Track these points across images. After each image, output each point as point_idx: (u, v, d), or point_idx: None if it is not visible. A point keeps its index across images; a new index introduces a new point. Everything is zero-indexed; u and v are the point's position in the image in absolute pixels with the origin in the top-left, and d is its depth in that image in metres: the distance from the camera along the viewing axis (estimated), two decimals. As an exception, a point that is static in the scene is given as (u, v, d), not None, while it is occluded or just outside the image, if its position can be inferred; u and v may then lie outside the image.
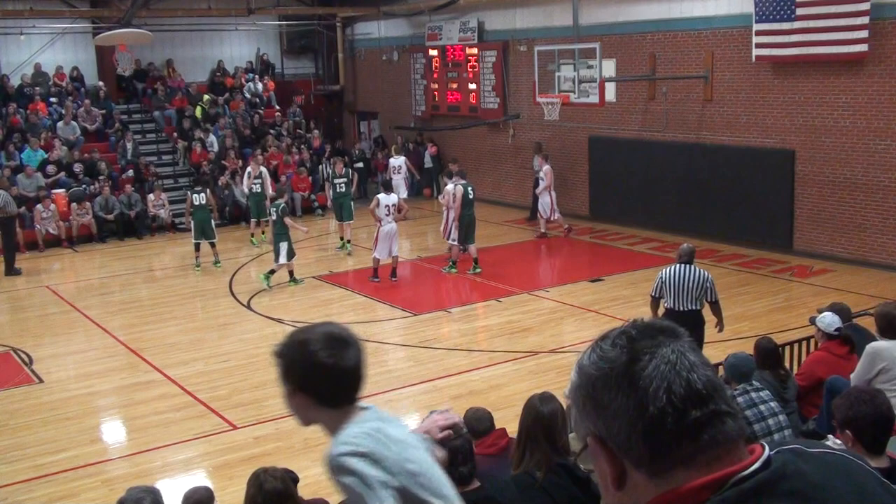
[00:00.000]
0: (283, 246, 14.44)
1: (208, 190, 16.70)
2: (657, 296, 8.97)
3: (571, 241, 17.87)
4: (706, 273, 8.97)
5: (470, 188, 14.94)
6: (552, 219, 17.93)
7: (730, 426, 1.30)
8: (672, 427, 1.27)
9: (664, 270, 8.99)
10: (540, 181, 18.00)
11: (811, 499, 1.24)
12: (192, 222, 16.12)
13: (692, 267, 8.86)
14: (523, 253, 17.49)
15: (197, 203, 15.93)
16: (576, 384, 1.37)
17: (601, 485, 1.38)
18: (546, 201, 17.86)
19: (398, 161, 20.79)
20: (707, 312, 9.10)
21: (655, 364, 1.30)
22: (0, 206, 16.40)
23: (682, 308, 8.75)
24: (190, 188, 16.76)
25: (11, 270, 16.35)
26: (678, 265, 8.87)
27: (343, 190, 17.50)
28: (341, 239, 17.56)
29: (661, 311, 9.01)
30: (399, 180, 20.22)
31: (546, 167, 17.87)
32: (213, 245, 16.20)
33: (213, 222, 16.30)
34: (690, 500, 1.27)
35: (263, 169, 19.01)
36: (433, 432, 3.90)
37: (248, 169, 18.92)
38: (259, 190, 18.56)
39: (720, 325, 9.15)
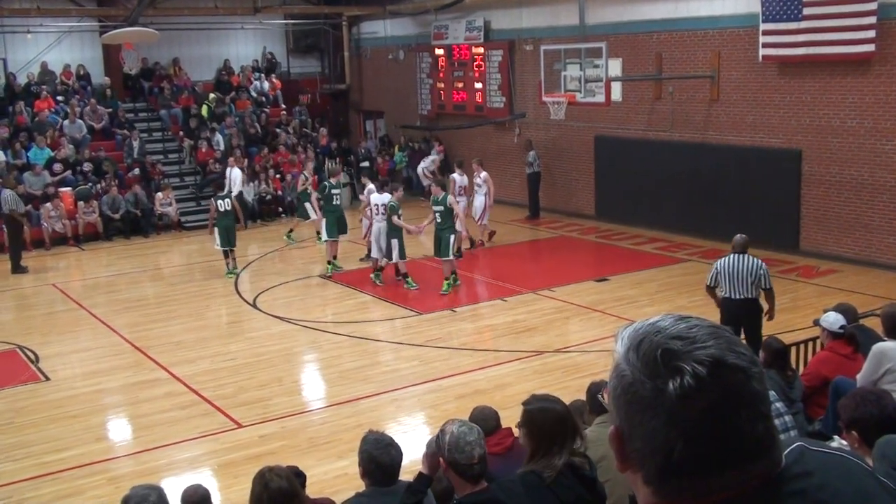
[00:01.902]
0: (395, 244, 14.14)
1: (233, 196, 16.44)
2: (713, 285, 9.41)
3: (573, 241, 17.85)
4: (760, 262, 9.23)
5: None
6: (482, 223, 17.16)
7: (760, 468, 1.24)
8: (691, 471, 1.22)
9: (719, 261, 9.41)
10: (477, 188, 17.02)
11: (816, 500, 1.24)
12: (217, 229, 15.59)
13: (746, 256, 9.22)
14: (529, 252, 17.48)
15: (222, 210, 15.53)
16: (612, 384, 1.29)
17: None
18: (480, 205, 16.98)
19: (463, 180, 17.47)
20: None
21: (699, 406, 1.19)
22: (9, 204, 16.45)
23: (738, 296, 9.17)
24: (213, 195, 16.13)
25: (18, 268, 16.40)
26: (733, 255, 9.28)
27: (339, 203, 15.89)
28: (333, 258, 15.69)
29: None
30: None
31: (484, 174, 17.03)
32: (230, 251, 15.78)
33: (235, 229, 15.91)
34: None
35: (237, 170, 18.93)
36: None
37: (237, 174, 18.80)
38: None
39: (771, 312, 9.41)
